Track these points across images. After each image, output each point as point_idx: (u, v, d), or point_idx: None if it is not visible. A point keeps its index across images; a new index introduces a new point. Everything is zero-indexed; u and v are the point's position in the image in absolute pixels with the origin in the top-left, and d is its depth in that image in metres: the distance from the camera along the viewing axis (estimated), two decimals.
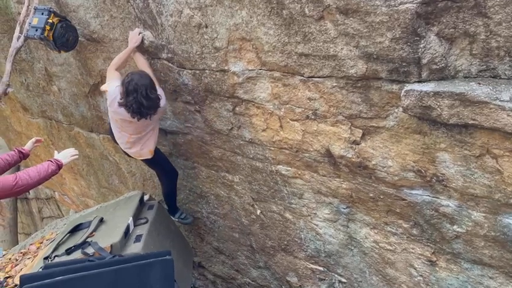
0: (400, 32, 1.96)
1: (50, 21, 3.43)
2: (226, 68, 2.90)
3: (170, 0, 2.88)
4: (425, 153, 2.25)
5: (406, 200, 2.49)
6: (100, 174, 5.17)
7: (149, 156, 3.50)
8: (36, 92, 5.03)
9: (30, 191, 9.86)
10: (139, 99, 2.94)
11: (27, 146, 3.13)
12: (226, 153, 3.45)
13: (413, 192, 2.44)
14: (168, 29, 3.03)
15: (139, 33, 3.22)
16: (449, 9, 1.86)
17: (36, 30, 3.45)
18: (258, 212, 3.56)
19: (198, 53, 2.97)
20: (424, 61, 1.99)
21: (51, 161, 2.70)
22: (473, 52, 1.91)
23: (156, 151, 3.58)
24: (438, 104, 2.00)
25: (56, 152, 2.94)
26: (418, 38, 1.95)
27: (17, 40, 3.58)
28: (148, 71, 3.23)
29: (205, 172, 3.80)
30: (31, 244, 3.91)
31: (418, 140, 2.24)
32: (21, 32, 3.65)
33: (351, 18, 2.10)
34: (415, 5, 1.87)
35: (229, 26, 2.69)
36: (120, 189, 5.04)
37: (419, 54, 1.98)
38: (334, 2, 2.11)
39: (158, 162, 3.70)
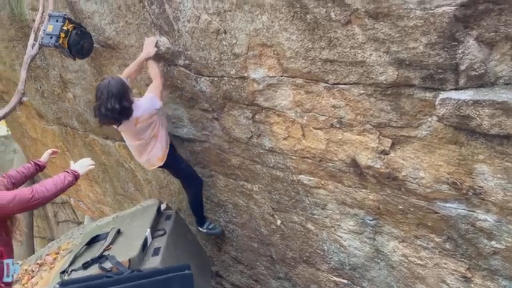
0: (436, 37, 1.83)
1: (65, 28, 3.36)
2: (245, 74, 2.79)
3: (187, 5, 2.78)
4: (462, 164, 2.11)
5: (439, 213, 2.35)
6: (116, 181, 5.11)
7: (160, 164, 3.45)
8: (51, 98, 5.00)
9: None
10: (100, 106, 3.00)
11: (44, 157, 3.07)
12: (245, 162, 3.34)
13: (448, 205, 2.29)
14: (185, 35, 2.94)
15: (156, 42, 3.15)
16: (490, 11, 1.72)
17: (51, 37, 3.39)
18: (279, 222, 3.44)
19: (217, 59, 2.87)
20: (462, 67, 1.85)
21: (67, 172, 2.63)
22: None
23: (176, 159, 3.52)
24: (478, 113, 1.86)
25: (71, 161, 2.87)
26: (456, 43, 1.81)
27: (32, 48, 3.52)
28: (159, 81, 3.19)
29: (223, 180, 3.70)
30: (47, 255, 3.86)
31: (454, 150, 2.10)
32: (35, 39, 3.59)
33: (382, 23, 1.97)
34: (453, 8, 1.74)
35: (249, 31, 2.59)
36: (136, 196, 4.97)
37: (457, 60, 1.84)
38: (363, 6, 1.98)
39: (180, 170, 3.64)
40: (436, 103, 1.98)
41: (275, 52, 2.55)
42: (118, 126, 3.16)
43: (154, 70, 3.23)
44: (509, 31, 1.74)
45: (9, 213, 2.35)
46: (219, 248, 4.35)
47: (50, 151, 3.13)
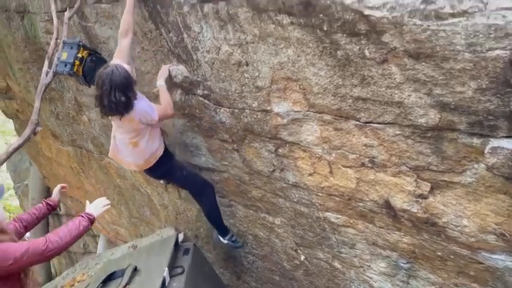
0: (487, 82, 1.64)
1: (80, 55, 3.26)
2: (268, 108, 2.63)
3: (207, 36, 2.64)
4: None
5: (484, 264, 2.15)
6: (131, 204, 4.99)
7: (135, 168, 3.21)
8: (66, 121, 4.92)
9: (61, 207, 9.87)
10: (101, 96, 2.78)
11: (54, 195, 2.97)
12: (267, 195, 3.18)
13: (494, 256, 2.09)
14: (204, 65, 2.79)
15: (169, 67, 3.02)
16: None
17: (65, 65, 3.28)
18: (302, 257, 3.27)
19: (238, 91, 2.72)
20: None
21: (82, 216, 2.50)
22: None
23: (176, 167, 3.27)
24: None
25: (87, 202, 2.74)
26: (510, 90, 1.62)
27: (46, 75, 3.42)
28: (167, 110, 2.98)
29: (243, 211, 3.54)
30: (62, 287, 3.74)
31: (504, 200, 1.91)
32: (49, 66, 3.49)
33: (423, 64, 1.79)
34: (508, 52, 1.55)
35: (273, 64, 2.43)
36: (151, 220, 4.84)
37: (511, 107, 1.65)
38: (401, 45, 1.81)
39: (178, 179, 3.36)
40: (486, 151, 1.79)
41: (301, 87, 2.39)
42: (121, 118, 2.87)
43: (165, 97, 3.00)
44: None
45: (22, 267, 2.22)
46: (238, 277, 4.19)
47: (58, 187, 3.03)
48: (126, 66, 2.85)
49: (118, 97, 2.74)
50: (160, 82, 3.03)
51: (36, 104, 3.34)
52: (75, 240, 2.40)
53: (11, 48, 4.76)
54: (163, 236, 3.74)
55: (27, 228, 2.67)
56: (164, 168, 3.22)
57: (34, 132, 3.31)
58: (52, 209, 2.87)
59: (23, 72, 4.90)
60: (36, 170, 8.91)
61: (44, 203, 2.85)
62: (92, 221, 2.52)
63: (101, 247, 7.83)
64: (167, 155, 3.25)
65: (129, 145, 3.05)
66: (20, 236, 2.59)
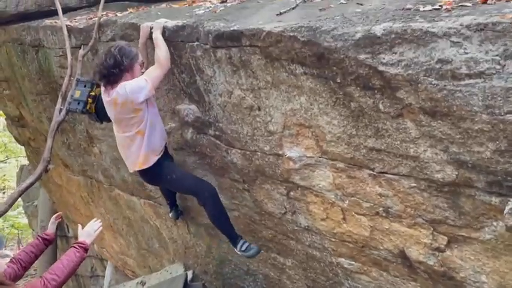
0: (506, 145, 1.61)
1: (93, 94, 3.28)
2: (280, 152, 2.61)
3: (219, 79, 2.66)
4: None
5: None
6: (140, 236, 4.96)
7: (138, 167, 2.96)
8: (77, 152, 4.94)
9: (70, 230, 9.83)
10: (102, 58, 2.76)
11: (50, 228, 2.96)
12: (278, 236, 3.13)
13: None
14: (216, 107, 2.80)
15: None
16: None
17: (78, 103, 3.31)
18: None
19: (249, 134, 2.71)
20: None
21: (75, 247, 2.47)
22: None
23: (163, 170, 3.01)
24: None
25: (79, 226, 2.69)
26: None
27: (59, 113, 3.46)
28: (162, 67, 2.74)
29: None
30: None
31: None
32: (63, 104, 3.53)
33: (439, 121, 1.77)
34: None
35: (285, 110, 2.42)
36: (160, 253, 4.80)
37: None
38: (417, 102, 1.79)
39: (171, 183, 3.11)
40: (505, 212, 1.74)
41: (314, 133, 2.37)
42: (105, 89, 2.78)
43: (161, 51, 2.73)
44: None
45: None
46: None
47: (53, 218, 3.04)
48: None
49: (109, 60, 2.70)
50: (157, 34, 2.78)
51: (49, 143, 3.36)
52: (73, 272, 2.38)
53: (25, 80, 4.84)
54: (172, 273, 3.69)
55: (26, 268, 2.65)
56: (156, 168, 2.97)
57: (46, 170, 3.32)
58: (49, 243, 2.86)
59: (36, 103, 4.96)
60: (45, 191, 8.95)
61: (40, 238, 2.83)
62: (85, 249, 2.49)
63: (109, 273, 7.77)
64: (165, 155, 3.06)
65: (137, 137, 2.86)
66: (18, 278, 2.58)
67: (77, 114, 4.09)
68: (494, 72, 1.57)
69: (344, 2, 2.42)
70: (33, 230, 11.91)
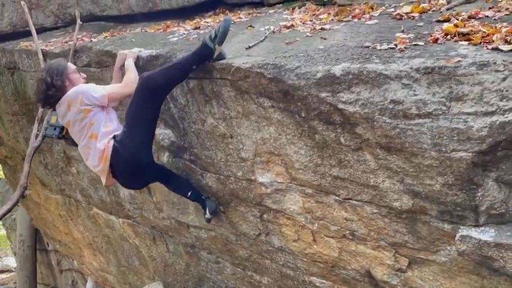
0: (453, 179, 1.76)
1: None
2: (253, 178, 2.72)
3: (193, 108, 2.75)
4: None
5: None
6: (119, 253, 4.99)
7: (103, 175, 2.76)
8: (54, 171, 4.94)
9: (49, 244, 9.71)
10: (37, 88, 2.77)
11: None
12: (254, 256, 3.23)
13: None
14: (190, 134, 2.89)
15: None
16: (509, 156, 1.65)
17: (55, 129, 3.33)
18: None
19: (223, 160, 2.81)
20: (482, 208, 1.77)
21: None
22: None
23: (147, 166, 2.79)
24: (501, 255, 1.77)
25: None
26: (474, 187, 1.73)
27: (35, 139, 3.49)
28: (127, 87, 2.70)
29: (231, 268, 3.58)
30: None
31: (476, 281, 2.00)
32: (39, 129, 3.57)
33: (395, 156, 1.90)
34: (470, 154, 1.67)
35: (256, 139, 2.53)
36: (140, 270, 4.84)
37: (477, 202, 1.76)
38: (374, 137, 1.92)
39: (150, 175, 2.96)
40: (456, 239, 1.89)
41: (283, 161, 2.49)
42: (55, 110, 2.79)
43: (130, 74, 2.76)
44: None
45: None
46: None
47: None
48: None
49: (45, 78, 2.70)
50: (129, 61, 2.84)
51: (26, 168, 3.39)
52: None
53: (0, 100, 4.82)
54: None
55: None
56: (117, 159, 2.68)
57: (23, 196, 3.35)
58: None
59: (13, 124, 4.95)
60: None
61: None
62: None
63: (90, 287, 7.75)
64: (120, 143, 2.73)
65: (91, 142, 2.72)
66: None
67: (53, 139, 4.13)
68: (440, 113, 1.72)
69: (309, 35, 2.55)
70: (11, 243, 11.71)
